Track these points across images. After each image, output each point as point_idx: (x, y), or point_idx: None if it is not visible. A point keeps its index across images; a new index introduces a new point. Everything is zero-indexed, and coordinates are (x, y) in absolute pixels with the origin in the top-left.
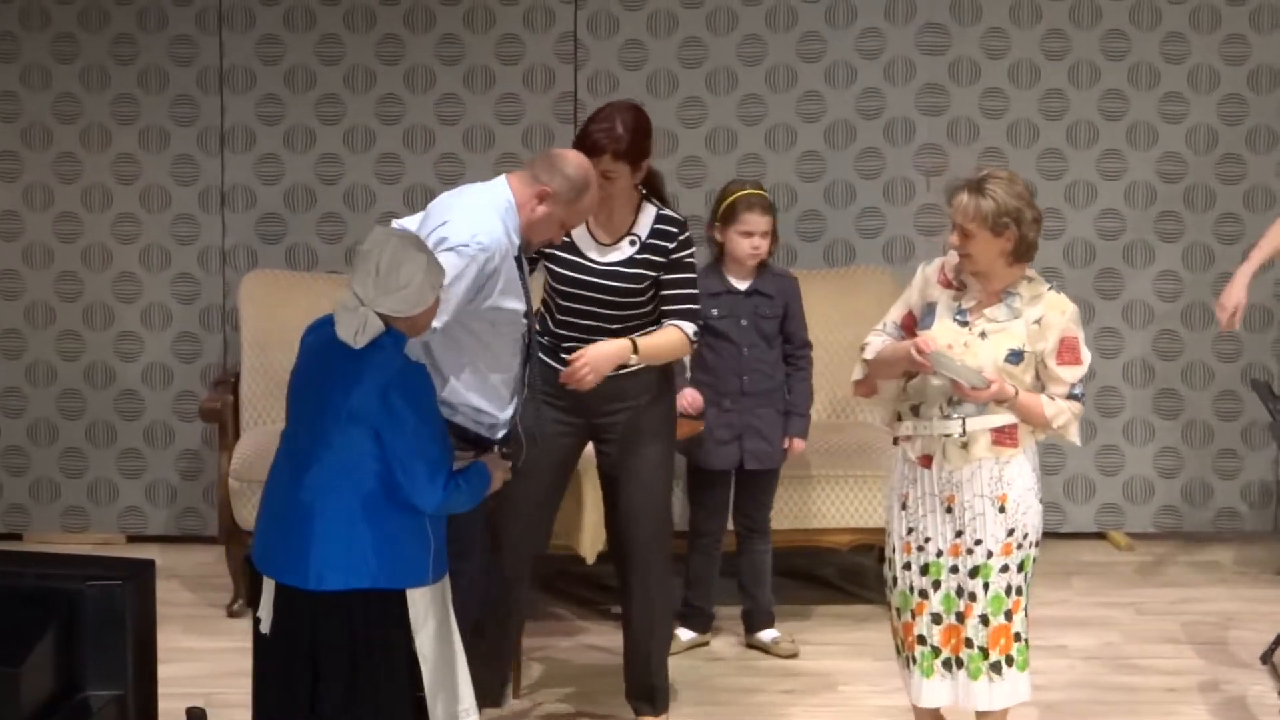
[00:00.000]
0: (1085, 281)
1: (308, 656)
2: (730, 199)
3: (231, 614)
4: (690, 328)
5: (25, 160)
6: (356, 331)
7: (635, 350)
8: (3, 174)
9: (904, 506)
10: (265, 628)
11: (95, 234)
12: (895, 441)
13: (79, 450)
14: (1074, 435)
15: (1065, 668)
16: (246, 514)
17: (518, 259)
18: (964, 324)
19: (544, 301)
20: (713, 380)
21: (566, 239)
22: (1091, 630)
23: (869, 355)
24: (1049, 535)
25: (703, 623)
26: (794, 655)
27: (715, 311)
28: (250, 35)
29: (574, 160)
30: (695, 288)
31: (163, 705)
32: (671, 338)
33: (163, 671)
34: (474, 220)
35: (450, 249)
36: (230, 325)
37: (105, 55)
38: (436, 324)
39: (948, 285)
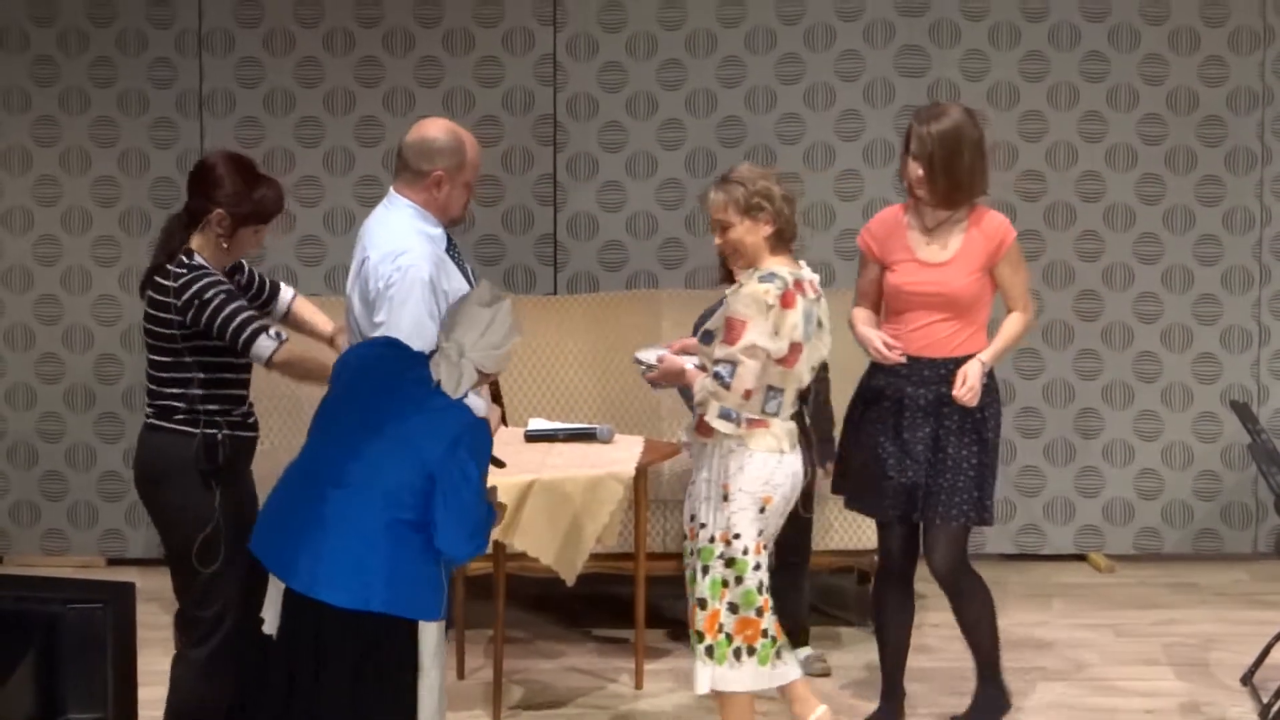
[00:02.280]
0: (1065, 304)
1: (311, 669)
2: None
3: None
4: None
5: (4, 183)
6: (458, 382)
7: None
8: None
9: None
10: (271, 629)
11: (75, 256)
12: None
13: (59, 473)
14: (710, 415)
15: (1044, 689)
16: None
17: (452, 255)
18: None
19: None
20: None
21: None
22: (1071, 652)
23: None
24: (1029, 557)
25: None
26: (827, 674)
27: None
28: (230, 58)
29: (435, 130)
30: None
31: None
32: None
33: (143, 694)
34: (395, 244)
35: (391, 285)
36: None
37: (84, 78)
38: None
39: None
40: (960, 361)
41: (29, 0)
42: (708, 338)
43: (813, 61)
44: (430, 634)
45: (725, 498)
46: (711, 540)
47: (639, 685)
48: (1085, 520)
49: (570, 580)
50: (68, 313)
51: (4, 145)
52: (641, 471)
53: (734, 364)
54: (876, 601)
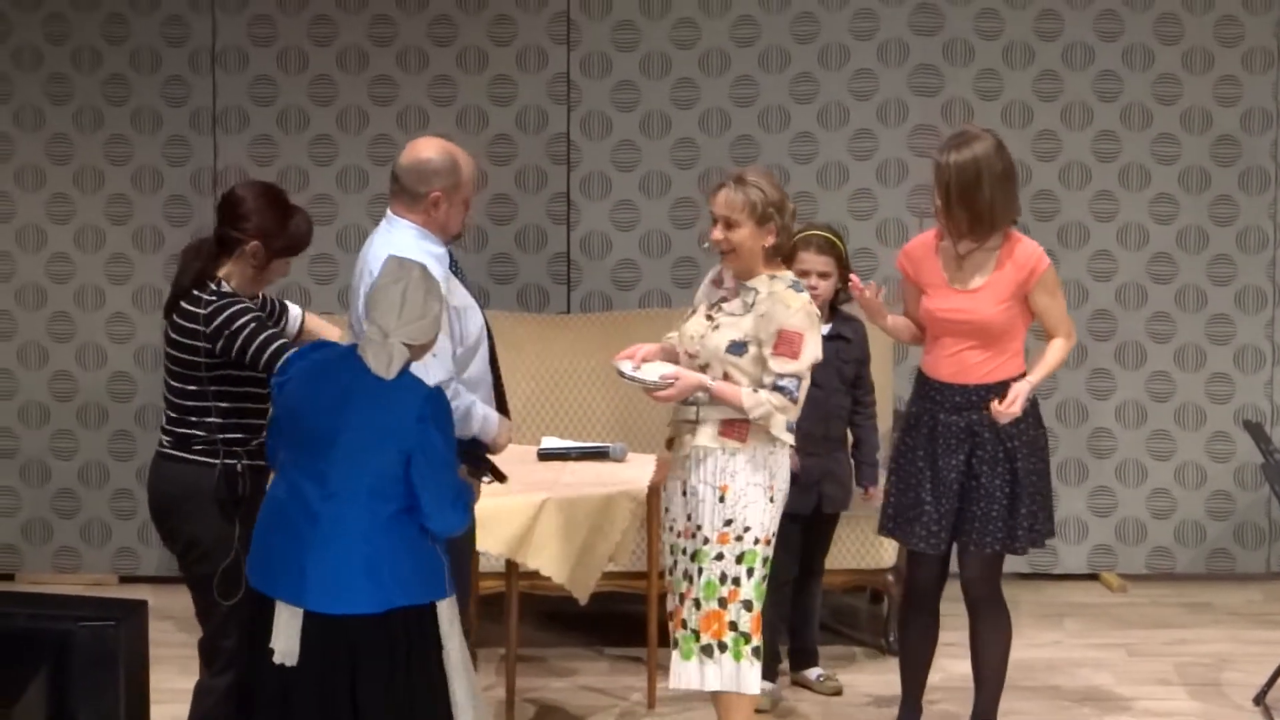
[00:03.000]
0: (1079, 323)
1: (346, 683)
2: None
3: None
4: None
5: (18, 201)
6: (388, 363)
7: None
8: None
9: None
10: (289, 660)
11: (88, 274)
12: None
13: (71, 491)
14: (777, 429)
15: (1058, 709)
16: None
17: (455, 271)
18: (710, 318)
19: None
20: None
21: None
22: (1084, 672)
23: None
24: (1042, 576)
25: (773, 669)
26: (838, 692)
27: None
28: (243, 76)
29: (429, 151)
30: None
31: None
32: None
33: (155, 713)
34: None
35: None
36: None
37: (98, 96)
38: (442, 376)
39: (717, 284)
40: (991, 388)
41: (43, 18)
42: (738, 349)
43: (826, 81)
44: (443, 609)
45: (771, 499)
46: (756, 542)
47: (651, 704)
48: (1098, 540)
49: (583, 599)
50: (80, 330)
51: (18, 163)
52: (654, 490)
53: (799, 378)
54: (902, 623)
